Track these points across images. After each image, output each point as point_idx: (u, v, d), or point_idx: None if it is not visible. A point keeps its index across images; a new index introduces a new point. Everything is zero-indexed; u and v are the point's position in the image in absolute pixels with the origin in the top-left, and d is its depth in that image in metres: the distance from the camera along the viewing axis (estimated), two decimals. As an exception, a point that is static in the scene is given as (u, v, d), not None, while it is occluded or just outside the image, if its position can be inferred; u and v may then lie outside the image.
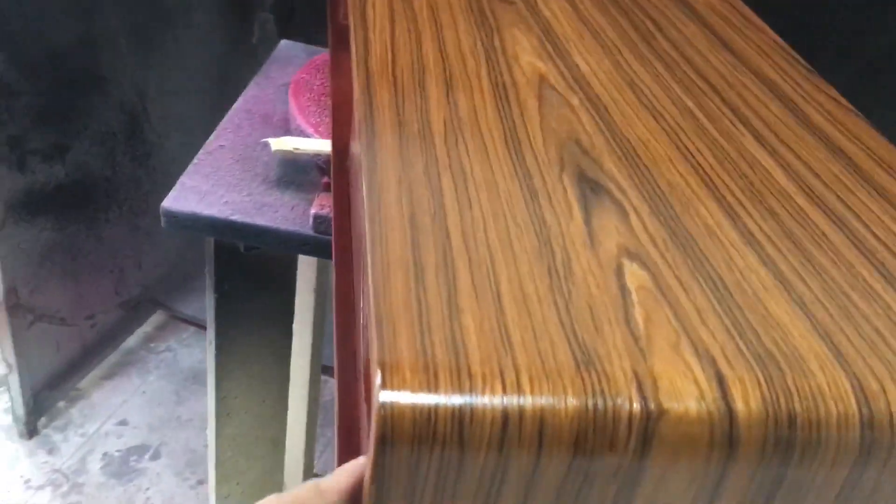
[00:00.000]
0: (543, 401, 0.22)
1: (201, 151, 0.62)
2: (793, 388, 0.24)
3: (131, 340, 1.19)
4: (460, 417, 0.22)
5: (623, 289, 0.26)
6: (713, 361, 0.24)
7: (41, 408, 1.05)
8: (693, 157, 0.33)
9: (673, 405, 0.23)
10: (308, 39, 1.26)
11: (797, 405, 0.23)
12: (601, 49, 0.40)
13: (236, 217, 0.56)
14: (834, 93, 0.40)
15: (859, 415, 0.24)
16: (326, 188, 0.57)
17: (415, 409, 0.22)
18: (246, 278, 0.62)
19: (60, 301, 1.07)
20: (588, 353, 0.23)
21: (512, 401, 0.22)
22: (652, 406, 0.23)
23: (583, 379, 0.23)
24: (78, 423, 1.05)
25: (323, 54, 0.71)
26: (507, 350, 0.23)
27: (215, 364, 0.66)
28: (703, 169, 0.32)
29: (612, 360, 0.23)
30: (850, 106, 0.39)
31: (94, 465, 1.00)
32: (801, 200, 0.31)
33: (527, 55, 0.38)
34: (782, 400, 0.23)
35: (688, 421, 0.23)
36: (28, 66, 0.93)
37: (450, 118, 0.32)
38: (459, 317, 0.24)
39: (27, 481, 0.97)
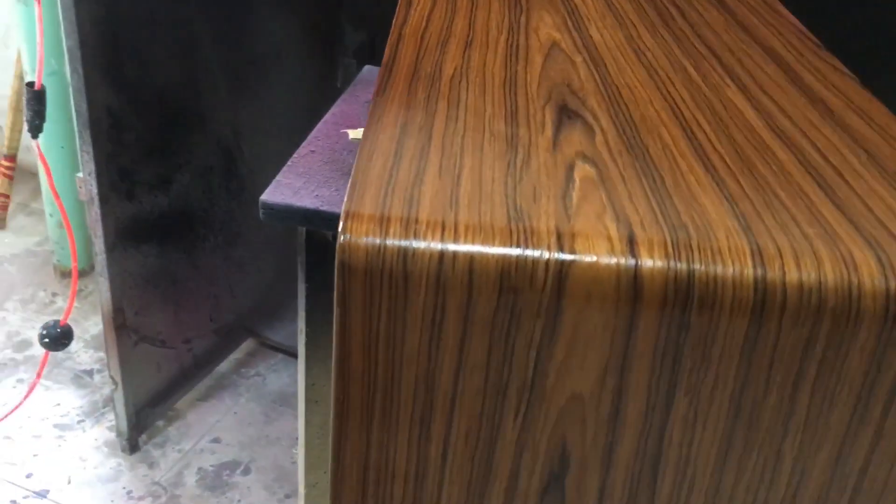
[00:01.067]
0: (475, 247, 0.27)
1: (294, 155, 0.70)
2: (696, 249, 0.28)
3: (224, 365, 1.28)
4: (404, 255, 0.27)
5: (569, 178, 0.31)
6: (629, 226, 0.28)
7: (143, 425, 1.14)
8: (672, 99, 0.37)
9: (585, 256, 0.27)
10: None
11: (697, 263, 0.27)
12: (618, 25, 0.45)
13: (326, 207, 0.63)
14: (838, 63, 0.43)
15: (753, 275, 0.27)
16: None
17: (368, 247, 0.27)
18: (331, 270, 0.68)
19: (161, 324, 1.17)
20: (521, 215, 0.28)
21: (448, 245, 0.27)
22: (566, 255, 0.27)
23: (511, 231, 0.28)
24: (175, 441, 1.15)
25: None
26: (452, 209, 0.28)
27: (305, 352, 0.72)
28: (678, 107, 0.37)
29: (541, 221, 0.28)
30: (851, 74, 0.42)
31: (190, 478, 1.09)
32: (764, 133, 0.35)
33: (547, 28, 0.43)
34: (684, 257, 0.27)
35: (597, 269, 0.27)
36: (139, 105, 1.05)
37: (460, 67, 0.38)
38: (420, 186, 0.29)
39: (129, 492, 1.07)
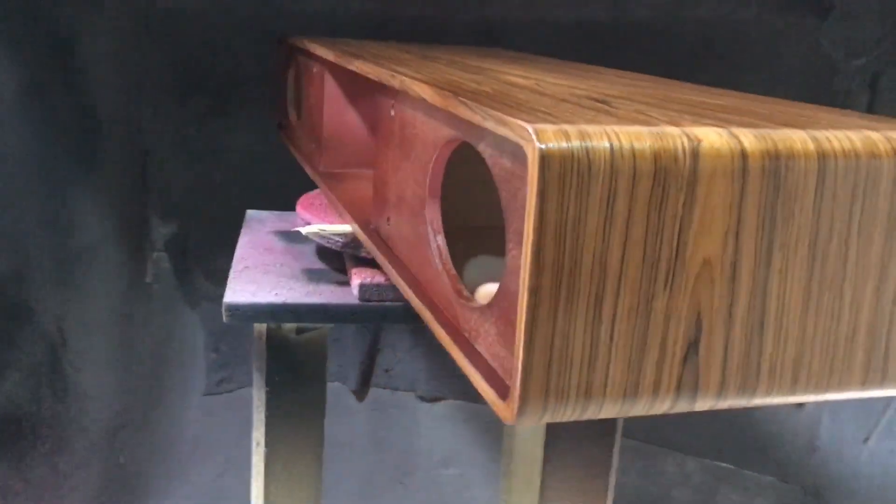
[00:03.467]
0: (636, 143, 0.36)
1: (232, 273, 0.74)
2: (774, 134, 0.38)
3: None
4: (587, 152, 0.35)
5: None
6: (726, 124, 0.38)
7: None
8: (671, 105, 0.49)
9: (706, 140, 0.37)
10: (206, 273, 1.40)
11: (778, 142, 0.38)
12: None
13: (291, 300, 0.67)
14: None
15: (814, 146, 0.38)
16: (357, 263, 0.70)
17: (560, 149, 0.35)
18: (291, 369, 0.71)
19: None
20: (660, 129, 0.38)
21: (614, 142, 0.36)
22: (696, 140, 0.37)
23: (656, 130, 0.37)
24: None
25: (314, 192, 0.84)
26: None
27: (264, 467, 0.72)
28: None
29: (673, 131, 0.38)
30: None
31: None
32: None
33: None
34: (769, 138, 0.38)
35: (717, 147, 0.37)
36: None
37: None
38: (598, 119, 0.38)
39: None
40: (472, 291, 0.50)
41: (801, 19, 1.29)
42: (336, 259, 0.77)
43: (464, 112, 0.42)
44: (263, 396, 0.70)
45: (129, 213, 1.42)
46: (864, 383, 0.42)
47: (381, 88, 0.62)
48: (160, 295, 1.49)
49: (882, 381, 0.42)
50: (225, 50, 1.34)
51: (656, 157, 0.36)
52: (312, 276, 0.72)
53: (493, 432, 1.46)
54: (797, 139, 0.38)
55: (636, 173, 0.36)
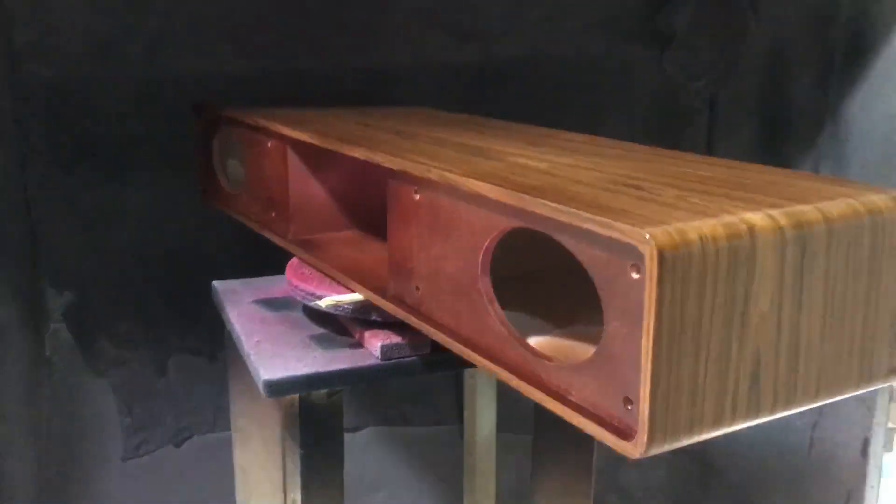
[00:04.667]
0: (715, 235, 0.47)
1: (247, 348, 0.79)
2: (805, 220, 0.51)
3: None
4: (686, 248, 0.46)
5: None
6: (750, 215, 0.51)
7: None
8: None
9: (758, 225, 0.49)
10: (108, 338, 1.41)
11: (805, 229, 0.51)
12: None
13: (322, 369, 0.74)
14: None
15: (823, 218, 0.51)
16: (369, 326, 0.77)
17: (671, 248, 0.46)
18: (320, 429, 0.78)
19: None
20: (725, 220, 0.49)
21: (704, 237, 0.47)
22: (751, 226, 0.49)
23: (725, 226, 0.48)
24: None
25: (293, 260, 0.90)
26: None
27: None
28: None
29: (733, 220, 0.49)
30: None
31: None
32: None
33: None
34: (793, 233, 0.51)
35: (765, 228, 0.49)
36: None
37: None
38: (663, 213, 0.49)
39: None
40: (537, 349, 0.60)
41: (647, 50, 1.47)
42: (331, 322, 0.83)
43: (552, 212, 0.52)
44: (298, 460, 0.76)
45: (22, 287, 1.39)
46: (860, 384, 0.56)
47: (387, 171, 0.70)
48: (61, 366, 1.46)
49: (870, 381, 0.56)
50: (109, 115, 1.34)
51: (730, 243, 0.48)
52: (323, 342, 0.79)
53: (413, 454, 1.56)
54: (811, 212, 0.51)
55: (718, 258, 0.47)
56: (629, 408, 0.49)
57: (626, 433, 0.49)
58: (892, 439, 1.25)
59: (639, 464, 1.62)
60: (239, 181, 1.08)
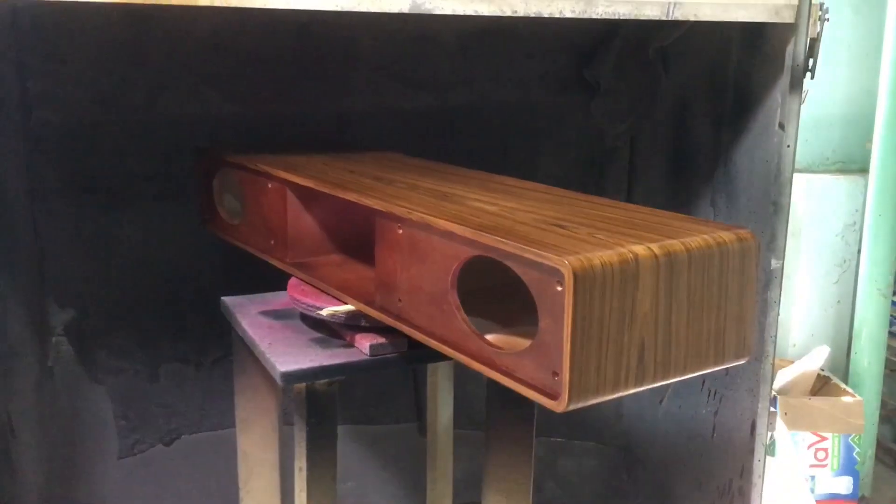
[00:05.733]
0: (611, 261, 0.71)
1: (262, 348, 1.01)
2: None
3: None
4: (591, 270, 0.70)
5: (601, 239, 0.76)
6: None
7: None
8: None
9: (640, 254, 0.73)
10: (108, 350, 1.59)
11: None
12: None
13: (325, 363, 0.96)
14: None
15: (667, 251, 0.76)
16: (357, 330, 1.00)
17: (582, 270, 0.69)
18: (321, 411, 0.99)
19: None
20: (618, 251, 0.73)
21: (604, 262, 0.71)
22: (635, 255, 0.73)
23: (617, 255, 0.72)
24: None
25: (292, 279, 1.12)
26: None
27: (307, 485, 0.99)
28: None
29: (623, 251, 0.73)
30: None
31: None
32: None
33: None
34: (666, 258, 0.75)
35: (645, 257, 0.73)
36: None
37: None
38: (580, 247, 0.72)
39: None
40: (491, 343, 0.83)
41: (577, 98, 1.73)
42: (325, 328, 1.05)
43: (502, 245, 0.75)
44: (305, 434, 0.98)
45: (30, 305, 1.57)
46: (716, 363, 0.80)
47: (375, 211, 0.92)
48: (62, 375, 1.64)
49: (723, 361, 0.81)
50: (111, 155, 1.54)
51: (621, 266, 0.72)
52: (322, 343, 1.01)
53: (378, 449, 1.77)
54: (677, 245, 0.76)
55: (613, 277, 0.71)
56: (556, 378, 0.72)
57: (554, 395, 0.73)
58: (774, 421, 1.50)
59: (572, 453, 1.87)
60: (236, 213, 1.30)
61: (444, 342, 0.86)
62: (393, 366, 0.98)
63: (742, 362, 0.83)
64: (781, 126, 1.26)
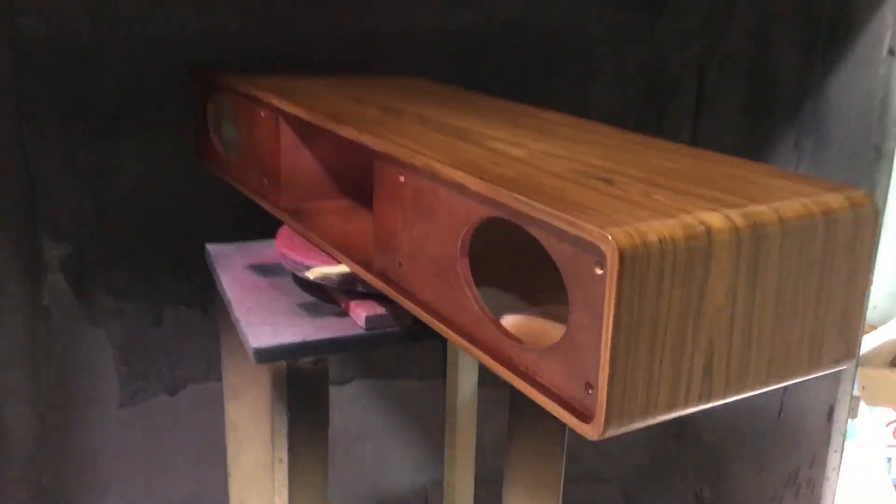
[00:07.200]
0: (673, 236, 0.51)
1: (237, 314, 0.83)
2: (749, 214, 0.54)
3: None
4: (646, 248, 0.50)
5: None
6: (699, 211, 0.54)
7: None
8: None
9: (714, 226, 0.52)
10: (106, 290, 1.45)
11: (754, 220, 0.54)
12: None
13: (309, 338, 0.78)
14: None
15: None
16: (354, 297, 0.81)
17: (631, 248, 0.49)
18: (306, 393, 0.82)
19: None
20: (683, 220, 0.53)
21: (663, 238, 0.50)
22: (708, 227, 0.52)
23: (683, 226, 0.52)
24: None
25: (283, 227, 0.94)
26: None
27: (289, 480, 0.83)
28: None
29: (691, 220, 0.53)
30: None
31: None
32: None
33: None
34: (749, 228, 0.54)
35: (721, 229, 0.52)
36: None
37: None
38: (633, 212, 0.52)
39: None
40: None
41: (637, 16, 1.49)
42: (318, 290, 0.87)
43: (523, 206, 0.55)
44: (286, 421, 0.80)
45: (21, 239, 1.42)
46: (809, 370, 0.60)
47: (374, 152, 0.73)
48: (58, 316, 1.50)
49: (818, 368, 0.60)
50: (105, 73, 1.36)
51: (687, 244, 0.51)
52: (311, 310, 0.83)
53: (400, 405, 1.61)
54: (766, 213, 0.55)
55: (676, 257, 0.51)
56: (590, 392, 0.53)
57: (585, 416, 0.53)
58: (857, 407, 1.30)
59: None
60: (233, 145, 1.11)
61: (450, 324, 0.67)
62: (394, 342, 0.80)
63: (844, 367, 0.63)
64: (892, 52, 1.02)
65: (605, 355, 0.51)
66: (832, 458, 1.19)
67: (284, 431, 0.81)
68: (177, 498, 1.45)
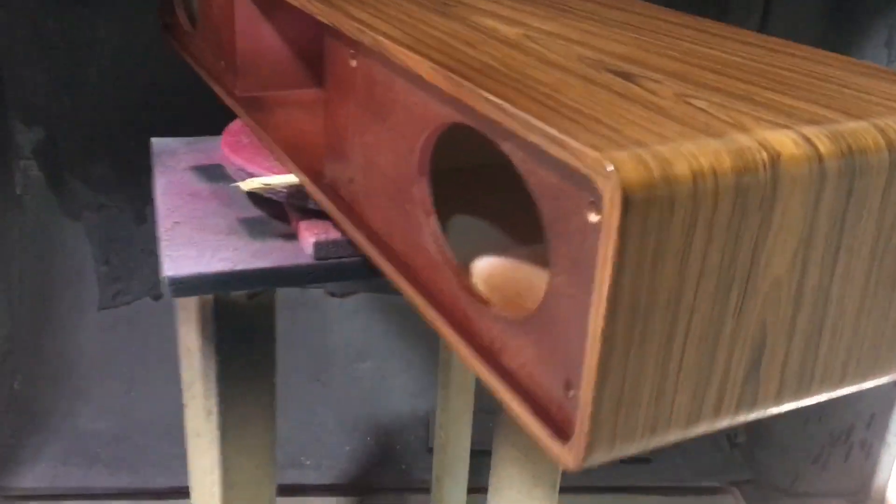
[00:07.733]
0: (717, 167, 0.32)
1: (161, 232, 0.66)
2: (843, 133, 0.35)
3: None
4: (669, 185, 0.31)
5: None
6: (795, 127, 0.35)
7: None
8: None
9: (783, 150, 0.33)
10: (83, 179, 1.29)
11: (851, 141, 0.35)
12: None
13: (240, 266, 0.61)
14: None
15: (885, 143, 0.35)
16: (304, 215, 0.63)
17: (641, 182, 0.30)
18: (242, 334, 0.65)
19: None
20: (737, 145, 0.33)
21: (697, 170, 0.31)
22: (774, 156, 0.33)
23: (731, 145, 0.33)
24: None
25: (235, 122, 0.76)
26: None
27: (220, 434, 0.67)
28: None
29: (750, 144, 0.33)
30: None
31: None
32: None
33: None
34: (840, 140, 0.34)
35: (795, 158, 0.33)
36: None
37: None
38: (655, 125, 0.33)
39: None
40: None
41: None
42: (268, 203, 0.70)
43: (494, 113, 0.36)
44: (214, 366, 0.64)
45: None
46: (900, 368, 0.41)
47: (322, 25, 0.54)
48: (33, 206, 1.36)
49: (918, 365, 0.41)
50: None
51: (738, 179, 0.32)
52: (254, 229, 0.66)
53: (404, 322, 1.45)
54: (868, 135, 0.35)
55: (717, 200, 0.32)
56: (569, 394, 0.35)
57: (561, 429, 0.36)
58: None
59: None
60: (196, 17, 0.92)
61: (399, 265, 0.49)
62: (348, 275, 0.62)
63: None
64: None
65: (596, 343, 0.32)
66: (893, 422, 1.01)
67: (213, 376, 0.65)
68: (158, 408, 1.33)
